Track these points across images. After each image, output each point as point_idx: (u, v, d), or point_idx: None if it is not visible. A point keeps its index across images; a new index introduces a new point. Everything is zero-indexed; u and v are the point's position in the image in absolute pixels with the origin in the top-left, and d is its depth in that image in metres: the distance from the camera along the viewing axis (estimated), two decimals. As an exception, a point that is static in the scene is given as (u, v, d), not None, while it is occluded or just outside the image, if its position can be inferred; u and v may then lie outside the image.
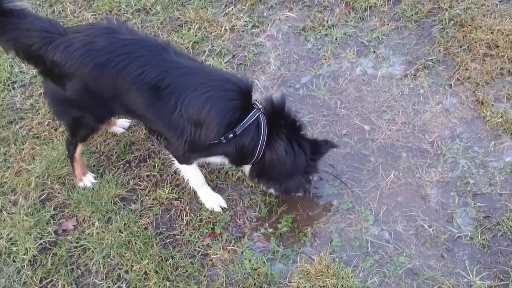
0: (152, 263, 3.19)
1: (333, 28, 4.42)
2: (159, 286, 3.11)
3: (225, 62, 4.21)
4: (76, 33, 2.94)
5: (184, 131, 2.95)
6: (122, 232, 3.33)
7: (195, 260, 3.24)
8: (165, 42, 3.04)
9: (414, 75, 4.08)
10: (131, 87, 2.87)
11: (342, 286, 3.06)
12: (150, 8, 4.65)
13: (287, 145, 3.06)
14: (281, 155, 3.06)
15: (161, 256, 3.24)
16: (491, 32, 4.20)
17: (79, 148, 3.43)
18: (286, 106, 3.09)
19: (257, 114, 3.00)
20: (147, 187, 3.56)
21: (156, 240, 3.32)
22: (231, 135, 2.93)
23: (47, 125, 3.86)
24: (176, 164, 3.32)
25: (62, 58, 2.87)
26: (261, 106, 3.09)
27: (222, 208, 3.44)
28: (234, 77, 3.06)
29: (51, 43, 2.89)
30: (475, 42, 4.17)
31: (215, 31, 4.43)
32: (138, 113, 3.07)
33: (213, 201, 3.45)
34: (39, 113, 3.96)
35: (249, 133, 2.98)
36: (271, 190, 3.36)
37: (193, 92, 2.86)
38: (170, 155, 3.32)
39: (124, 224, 3.37)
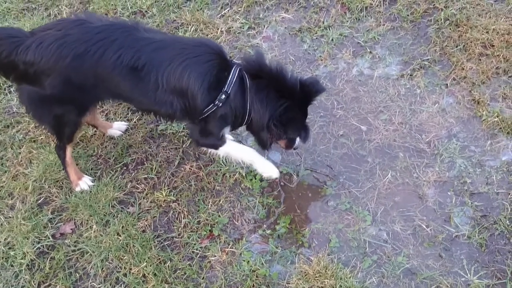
0: (150, 265, 3.18)
1: (329, 29, 4.43)
2: (158, 288, 3.12)
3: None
4: (45, 30, 2.96)
5: (173, 104, 3.01)
6: (120, 235, 3.33)
7: (194, 262, 3.23)
8: (134, 21, 3.09)
9: (410, 75, 4.10)
10: (112, 72, 2.92)
11: (341, 286, 3.06)
12: (146, 11, 4.65)
13: (260, 99, 3.01)
14: (254, 106, 3.04)
15: (159, 258, 3.23)
16: (487, 32, 4.22)
17: (69, 151, 3.42)
18: (263, 59, 3.06)
19: (238, 69, 3.02)
20: (145, 189, 3.56)
21: (154, 242, 3.31)
22: (223, 96, 2.97)
23: (43, 128, 3.85)
24: (218, 152, 3.34)
25: (36, 56, 2.88)
26: (240, 62, 3.09)
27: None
28: (205, 40, 3.12)
29: (20, 45, 2.90)
30: (471, 42, 4.18)
31: (212, 33, 4.43)
32: (124, 96, 3.14)
33: (268, 170, 3.38)
34: (35, 117, 3.96)
35: (235, 88, 3.00)
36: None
37: (169, 66, 2.92)
38: (206, 149, 3.40)
39: (122, 227, 3.36)
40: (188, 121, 3.23)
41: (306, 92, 3.08)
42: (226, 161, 3.66)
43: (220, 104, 2.99)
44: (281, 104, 3.01)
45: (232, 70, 3.00)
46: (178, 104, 3.01)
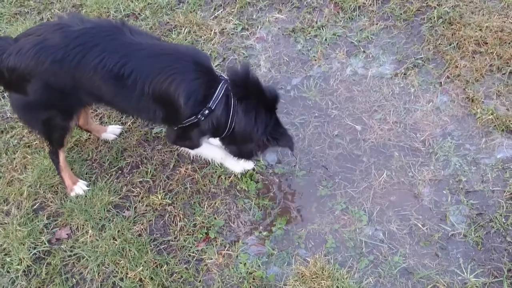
0: (147, 269, 3.18)
1: (322, 28, 4.42)
2: (155, 292, 3.11)
3: (216, 66, 4.20)
4: (27, 36, 2.97)
5: (156, 112, 3.04)
6: (116, 240, 3.32)
7: (190, 266, 3.23)
8: (119, 22, 3.03)
9: (404, 74, 4.10)
10: (93, 77, 2.90)
11: (337, 287, 3.06)
12: (139, 13, 4.64)
13: (247, 115, 3.06)
14: (241, 124, 3.09)
15: (155, 262, 3.23)
16: (480, 29, 4.22)
17: (62, 156, 3.42)
18: (250, 74, 3.07)
19: (225, 85, 3.04)
20: (140, 193, 3.55)
21: (151, 246, 3.31)
22: (207, 112, 3.00)
23: (36, 134, 3.84)
24: (191, 152, 3.47)
25: (17, 62, 2.89)
26: (227, 78, 3.11)
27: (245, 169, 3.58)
28: (195, 53, 3.11)
29: (4, 53, 2.93)
30: (464, 40, 4.19)
31: (205, 35, 4.42)
32: (105, 99, 3.14)
33: (240, 164, 3.53)
34: (29, 122, 3.94)
35: (221, 105, 3.03)
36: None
37: (157, 76, 2.91)
38: (181, 148, 3.53)
39: (118, 231, 3.36)
40: (166, 126, 3.28)
41: (272, 99, 3.14)
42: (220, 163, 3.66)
43: (203, 118, 3.02)
44: (270, 119, 3.10)
45: (219, 87, 3.01)
46: (160, 112, 3.04)
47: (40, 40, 2.89)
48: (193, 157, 3.65)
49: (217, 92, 2.99)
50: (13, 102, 3.19)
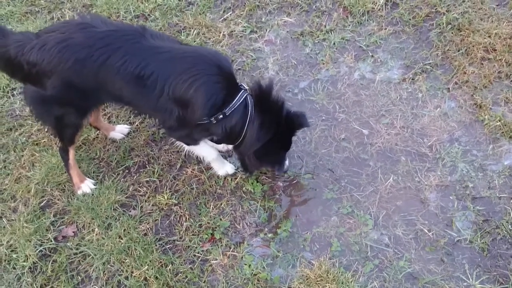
0: (152, 269, 3.19)
1: (331, 32, 4.43)
2: (159, 292, 3.12)
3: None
4: (49, 32, 3.00)
5: (172, 112, 3.05)
6: (122, 238, 3.33)
7: (195, 266, 3.24)
8: (141, 27, 3.08)
9: (412, 79, 4.10)
10: (115, 77, 2.95)
11: (342, 290, 3.06)
12: (149, 14, 4.66)
13: (259, 127, 3.09)
14: (252, 135, 3.11)
15: (161, 262, 3.24)
16: (489, 36, 4.22)
17: (71, 153, 3.44)
18: (273, 90, 3.12)
19: (245, 95, 3.07)
20: (147, 193, 3.57)
21: (156, 246, 3.32)
22: (221, 116, 3.01)
23: (46, 131, 3.86)
24: (186, 147, 3.45)
25: (39, 57, 2.92)
26: (248, 88, 3.14)
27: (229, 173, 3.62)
28: (217, 58, 3.10)
29: (26, 46, 2.95)
30: (473, 46, 4.19)
31: (214, 37, 4.44)
32: (126, 100, 3.18)
33: (224, 168, 3.59)
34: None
35: (238, 114, 3.05)
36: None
37: (179, 77, 2.93)
38: (177, 142, 3.48)
39: (124, 230, 3.37)
40: (178, 127, 3.24)
41: (290, 124, 3.20)
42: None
43: (214, 122, 3.03)
44: (274, 138, 3.13)
45: (238, 95, 3.04)
46: (176, 112, 3.05)
47: (64, 37, 2.92)
48: (186, 153, 3.65)
49: (235, 100, 3.01)
50: (28, 94, 3.20)
